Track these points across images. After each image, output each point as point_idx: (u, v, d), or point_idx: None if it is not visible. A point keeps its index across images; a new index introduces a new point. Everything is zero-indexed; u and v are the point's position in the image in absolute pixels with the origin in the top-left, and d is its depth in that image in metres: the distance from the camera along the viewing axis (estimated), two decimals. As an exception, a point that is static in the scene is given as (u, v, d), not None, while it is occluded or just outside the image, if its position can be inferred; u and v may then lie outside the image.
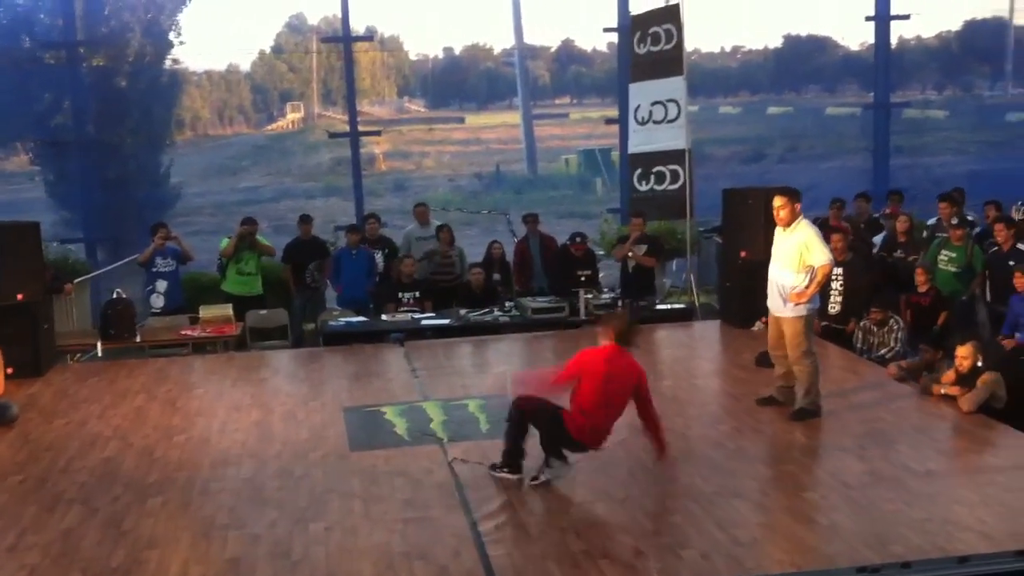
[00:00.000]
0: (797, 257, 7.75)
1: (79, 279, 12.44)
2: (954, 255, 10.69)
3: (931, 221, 12.04)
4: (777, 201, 7.91)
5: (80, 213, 15.25)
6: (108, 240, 14.79)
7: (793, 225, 7.83)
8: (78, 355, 11.07)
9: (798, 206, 7.87)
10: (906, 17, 16.42)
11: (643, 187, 13.01)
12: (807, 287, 7.71)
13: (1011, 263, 9.94)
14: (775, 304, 8.00)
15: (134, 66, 16.66)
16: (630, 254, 12.07)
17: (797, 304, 7.77)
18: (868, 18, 16.00)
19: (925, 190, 16.35)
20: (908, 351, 9.53)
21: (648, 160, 12.94)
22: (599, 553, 5.55)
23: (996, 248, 10.59)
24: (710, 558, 5.46)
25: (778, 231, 8.00)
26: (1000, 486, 6.36)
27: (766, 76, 56.16)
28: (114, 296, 10.98)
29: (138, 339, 10.83)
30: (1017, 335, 9.34)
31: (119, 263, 13.58)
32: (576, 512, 6.19)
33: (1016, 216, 11.35)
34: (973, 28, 45.33)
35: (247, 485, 6.77)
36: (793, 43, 53.83)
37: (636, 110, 13.04)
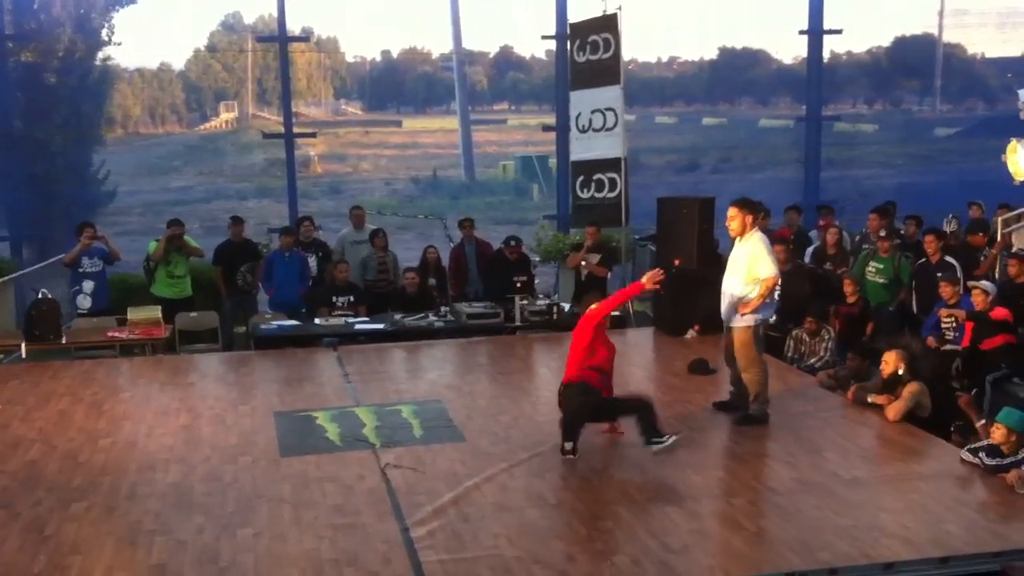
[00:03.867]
0: (746, 268, 7.87)
1: (3, 278, 12.16)
2: (882, 266, 10.89)
3: (863, 231, 12.25)
4: (730, 212, 8.01)
5: (5, 210, 14.90)
6: (34, 239, 14.49)
7: (746, 236, 7.94)
8: (1, 356, 10.80)
9: (750, 218, 7.95)
10: (838, 32, 16.74)
11: (584, 194, 13.07)
12: (753, 298, 7.82)
13: (939, 274, 10.16)
14: (726, 313, 8.10)
15: (64, 62, 16.37)
16: (583, 263, 12.13)
17: (744, 314, 7.88)
18: (801, 32, 16.25)
19: (854, 202, 16.68)
20: (837, 360, 9.68)
21: (589, 168, 13.00)
22: (532, 559, 5.55)
23: (924, 260, 10.81)
24: (641, 564, 5.48)
25: (736, 242, 8.10)
26: (924, 493, 6.49)
27: (701, 87, 56.91)
28: (39, 296, 10.72)
29: (64, 340, 10.59)
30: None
31: (45, 263, 13.29)
32: (509, 518, 6.18)
33: (946, 229, 11.59)
34: (903, 44, 46.37)
35: (174, 490, 6.66)
36: (728, 55, 54.64)
37: (577, 117, 13.09)
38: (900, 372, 8.00)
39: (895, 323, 10.80)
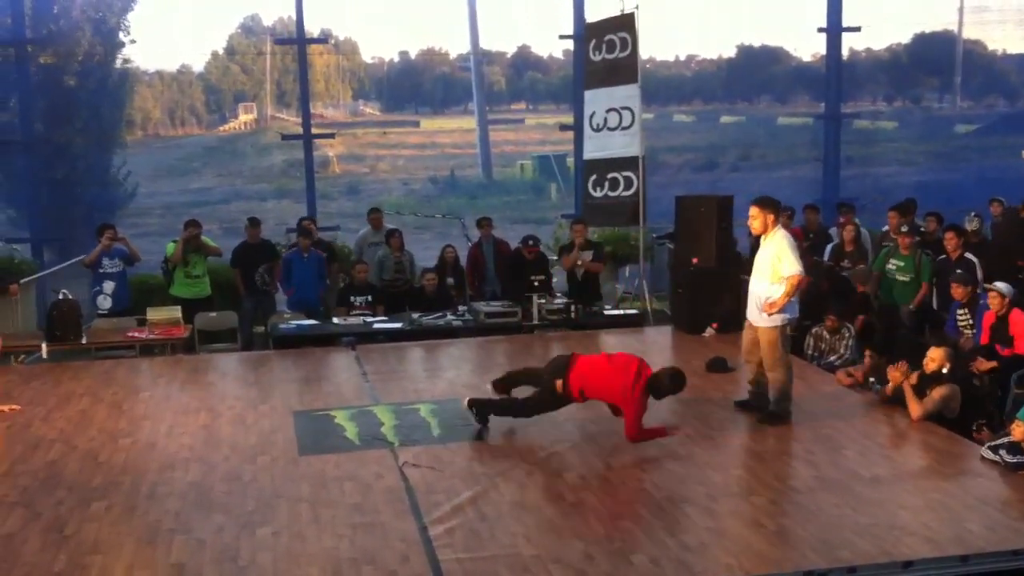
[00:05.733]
0: (771, 267, 7.80)
1: (25, 279, 12.23)
2: (903, 264, 10.83)
3: (884, 229, 12.21)
4: (751, 211, 7.93)
5: (27, 212, 14.99)
6: (55, 240, 14.57)
7: (770, 235, 7.87)
8: (22, 357, 10.87)
9: (771, 216, 7.86)
10: (857, 29, 16.62)
11: (597, 193, 13.05)
12: (778, 297, 7.76)
13: (958, 271, 10.10)
14: (751, 313, 8.05)
15: (83, 65, 16.43)
16: (579, 263, 12.11)
17: (771, 314, 7.82)
18: (820, 29, 16.18)
19: (874, 200, 16.58)
20: (857, 358, 9.63)
21: (603, 166, 12.98)
22: (550, 558, 5.54)
23: (944, 257, 10.76)
24: (659, 563, 5.47)
25: (760, 241, 8.05)
26: (944, 491, 6.46)
27: (719, 85, 56.69)
28: (60, 297, 10.79)
29: (84, 341, 10.65)
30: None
31: (65, 264, 13.37)
32: (527, 516, 6.18)
33: (968, 227, 11.51)
34: (923, 41, 46.03)
35: (194, 489, 6.69)
36: (746, 53, 54.37)
37: (591, 116, 13.08)
38: (944, 371, 7.86)
39: (916, 321, 10.77)
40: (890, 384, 8.20)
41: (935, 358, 7.87)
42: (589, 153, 13.23)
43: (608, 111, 12.83)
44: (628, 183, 12.74)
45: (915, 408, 7.82)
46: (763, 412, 8.03)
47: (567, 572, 5.39)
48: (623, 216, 12.95)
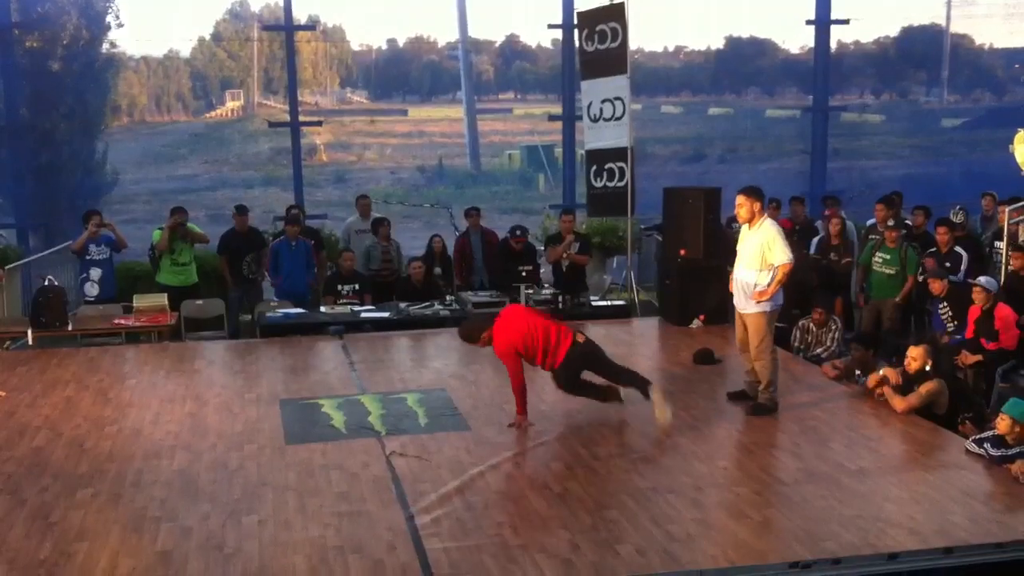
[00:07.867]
0: (759, 256, 7.83)
1: (10, 266, 12.17)
2: (888, 257, 10.85)
3: (869, 222, 12.24)
4: (738, 199, 7.97)
5: (12, 199, 14.92)
6: (41, 226, 14.49)
7: (757, 224, 7.91)
8: (8, 343, 10.82)
9: (758, 204, 7.93)
10: (845, 22, 16.66)
11: (598, 183, 13.06)
12: (768, 285, 7.80)
13: (947, 264, 10.15)
14: (739, 301, 8.08)
15: (69, 49, 16.30)
16: (565, 256, 12.10)
17: (759, 301, 7.86)
18: (808, 22, 16.21)
19: (860, 193, 16.64)
20: (844, 351, 9.67)
21: (601, 157, 12.98)
22: (536, 547, 5.56)
23: (934, 250, 10.80)
24: (645, 553, 5.49)
25: (743, 229, 8.08)
26: (929, 484, 6.49)
27: (707, 77, 56.68)
28: (46, 283, 10.75)
29: (70, 328, 10.61)
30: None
31: (52, 250, 13.31)
32: (513, 506, 6.20)
33: (954, 219, 11.57)
34: (911, 34, 46.12)
35: (180, 477, 6.68)
36: (735, 45, 54.37)
37: (589, 107, 13.07)
38: (927, 369, 7.88)
39: (902, 315, 10.81)
40: (869, 383, 8.25)
41: (916, 357, 7.89)
42: (590, 143, 13.21)
43: (603, 102, 12.82)
44: (622, 174, 12.75)
45: (898, 403, 7.84)
46: (752, 404, 8.06)
47: (553, 562, 5.40)
48: (618, 206, 12.94)
